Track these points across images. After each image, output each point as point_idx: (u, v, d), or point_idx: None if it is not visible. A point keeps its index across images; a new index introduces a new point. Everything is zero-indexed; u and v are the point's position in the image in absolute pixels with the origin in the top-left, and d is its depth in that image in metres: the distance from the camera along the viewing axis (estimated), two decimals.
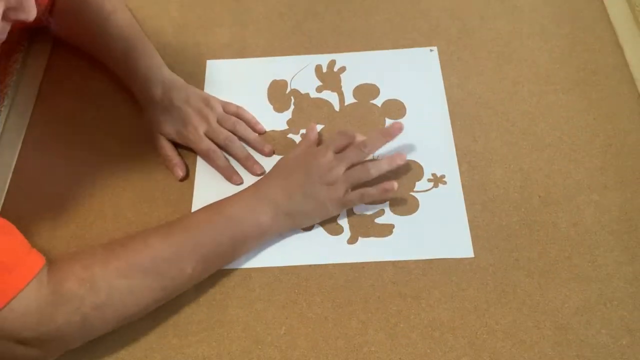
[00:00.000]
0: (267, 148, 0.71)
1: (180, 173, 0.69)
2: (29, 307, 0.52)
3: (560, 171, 0.67)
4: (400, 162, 0.65)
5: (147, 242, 0.57)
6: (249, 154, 0.70)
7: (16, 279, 0.52)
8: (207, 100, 0.72)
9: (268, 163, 0.69)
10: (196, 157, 0.71)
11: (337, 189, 0.63)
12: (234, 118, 0.72)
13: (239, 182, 0.69)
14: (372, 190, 0.64)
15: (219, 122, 0.71)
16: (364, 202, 0.65)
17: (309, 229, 0.65)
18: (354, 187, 0.64)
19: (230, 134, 0.70)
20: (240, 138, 0.71)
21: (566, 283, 0.60)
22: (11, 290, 0.51)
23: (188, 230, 0.59)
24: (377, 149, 0.66)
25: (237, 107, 0.73)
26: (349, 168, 0.64)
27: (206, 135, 0.70)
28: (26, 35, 0.81)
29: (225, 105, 0.73)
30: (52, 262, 0.55)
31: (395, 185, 0.63)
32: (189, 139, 0.70)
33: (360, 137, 0.66)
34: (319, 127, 0.73)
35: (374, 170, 0.64)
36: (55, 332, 0.53)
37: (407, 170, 0.68)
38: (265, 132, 0.73)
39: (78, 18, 0.75)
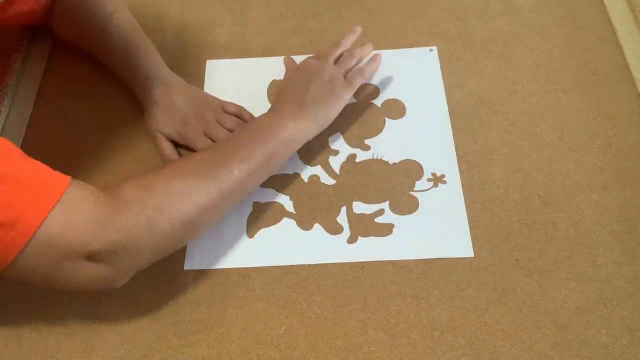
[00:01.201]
0: None
1: None
2: (90, 216, 0.51)
3: (560, 171, 0.67)
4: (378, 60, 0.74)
5: (191, 154, 0.66)
6: None
7: (54, 188, 0.51)
8: (207, 101, 0.72)
9: None
10: None
11: (337, 79, 0.69)
12: (233, 118, 0.72)
13: None
14: (364, 65, 0.72)
15: (218, 122, 0.71)
16: (364, 76, 0.72)
17: (308, 228, 0.65)
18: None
19: (233, 127, 0.71)
20: None
21: (566, 283, 0.60)
22: (51, 197, 0.50)
23: (227, 141, 0.65)
24: (366, 54, 0.74)
25: (237, 107, 0.74)
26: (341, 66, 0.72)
27: (206, 135, 0.70)
28: (26, 35, 0.81)
29: (225, 106, 0.73)
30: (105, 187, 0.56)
31: (371, 47, 0.74)
32: (189, 138, 0.70)
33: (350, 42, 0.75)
34: None
35: (358, 52, 0.73)
36: (125, 239, 0.52)
37: (407, 170, 0.68)
38: None
39: (79, 17, 0.75)
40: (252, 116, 0.73)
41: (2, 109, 0.74)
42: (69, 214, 0.50)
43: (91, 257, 0.52)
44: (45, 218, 0.49)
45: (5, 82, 0.77)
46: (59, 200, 0.50)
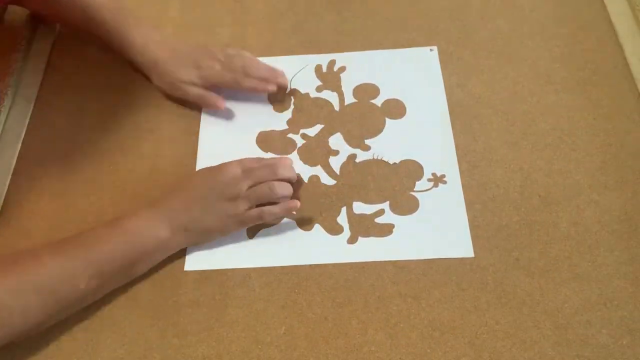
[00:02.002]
0: (280, 72, 0.74)
1: (222, 103, 0.72)
2: None
3: (561, 171, 0.67)
4: (294, 207, 0.64)
5: (39, 259, 0.56)
6: (269, 71, 0.73)
7: None
8: (206, 46, 0.74)
9: None
10: (196, 164, 0.71)
11: (237, 205, 0.62)
12: (239, 55, 0.73)
13: (274, 88, 0.72)
14: (274, 209, 0.63)
15: (226, 59, 0.73)
16: (264, 220, 0.63)
17: (308, 228, 0.65)
18: (258, 206, 0.63)
19: (245, 63, 0.72)
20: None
21: (566, 283, 0.60)
22: None
23: (83, 246, 0.58)
24: (287, 175, 0.65)
25: (235, 49, 0.75)
26: (253, 186, 0.63)
27: (223, 69, 0.72)
28: (26, 35, 0.81)
29: (225, 49, 0.74)
30: None
31: (298, 204, 0.63)
32: (209, 77, 0.72)
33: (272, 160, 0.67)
34: (319, 127, 0.73)
35: (280, 190, 0.63)
36: None
37: (407, 170, 0.68)
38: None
39: None
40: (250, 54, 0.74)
41: (2, 109, 0.74)
42: None
43: None
44: None
45: (6, 82, 0.76)
46: None
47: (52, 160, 0.72)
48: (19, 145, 0.73)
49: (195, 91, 0.72)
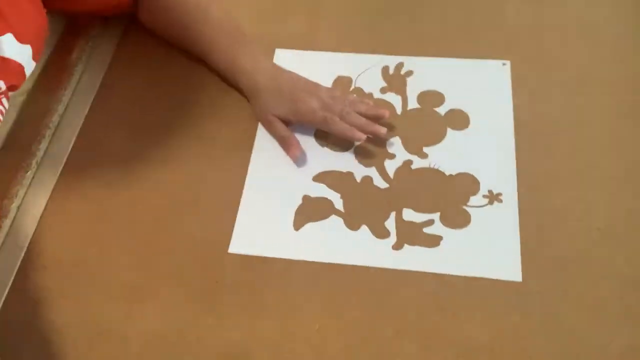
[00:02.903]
0: (383, 111, 0.71)
1: (298, 153, 0.70)
2: None
3: (624, 206, 0.64)
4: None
5: None
6: (368, 121, 0.70)
7: None
8: (314, 82, 0.73)
9: None
10: (252, 150, 0.71)
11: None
12: (343, 96, 0.72)
13: (363, 138, 0.69)
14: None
15: (329, 98, 0.71)
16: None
17: (355, 228, 0.65)
18: None
19: (345, 107, 0.70)
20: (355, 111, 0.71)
21: (615, 321, 0.58)
22: None
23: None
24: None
25: (341, 91, 0.74)
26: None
27: (320, 109, 0.70)
28: (96, 21, 0.83)
29: (330, 89, 0.74)
30: None
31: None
32: (303, 112, 0.70)
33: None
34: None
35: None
36: None
37: (462, 183, 0.67)
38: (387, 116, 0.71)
39: (172, 11, 0.76)
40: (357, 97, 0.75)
41: (75, 73, 0.77)
42: None
43: None
44: None
45: (80, 46, 0.79)
46: None
47: (116, 129, 0.74)
48: (87, 109, 0.75)
49: (279, 132, 0.71)
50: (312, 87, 0.72)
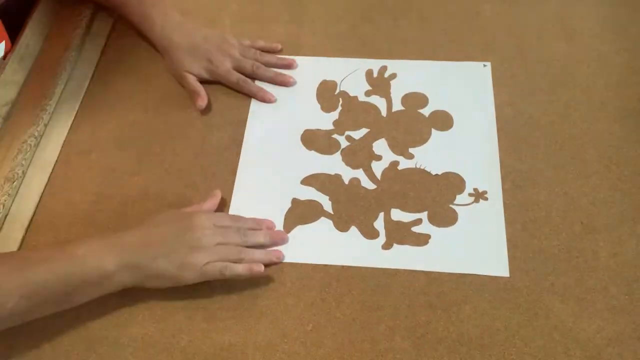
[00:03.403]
0: (290, 60, 0.78)
1: (202, 104, 0.73)
2: None
3: (605, 200, 0.66)
4: (275, 259, 0.62)
5: None
6: (277, 71, 0.77)
7: None
8: (224, 37, 0.77)
9: None
10: (240, 155, 0.72)
11: (199, 256, 0.58)
12: (253, 48, 0.78)
13: (273, 100, 0.75)
14: (237, 268, 0.59)
15: (240, 54, 0.76)
16: (224, 276, 0.59)
17: (345, 229, 0.65)
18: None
19: (255, 61, 0.76)
20: (263, 63, 0.77)
21: (601, 313, 0.59)
22: None
23: (20, 263, 0.55)
24: (258, 243, 0.63)
25: (250, 40, 0.78)
26: (222, 244, 0.60)
27: (235, 69, 0.75)
28: (87, 13, 0.83)
29: (242, 41, 0.78)
30: None
31: (262, 269, 0.60)
32: (218, 73, 0.75)
33: (250, 223, 0.64)
34: (365, 131, 0.73)
35: (248, 257, 0.61)
36: None
37: (448, 182, 0.68)
38: (281, 48, 0.80)
39: None
40: (264, 43, 0.79)
41: (59, 82, 0.77)
42: None
43: None
44: None
45: (65, 56, 0.79)
46: None
47: (103, 136, 0.74)
48: (72, 118, 0.75)
49: (191, 86, 0.75)
50: (224, 45, 0.76)
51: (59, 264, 0.55)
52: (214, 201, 0.66)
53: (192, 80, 0.75)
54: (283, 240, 0.64)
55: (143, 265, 0.57)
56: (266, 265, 0.61)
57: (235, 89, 0.76)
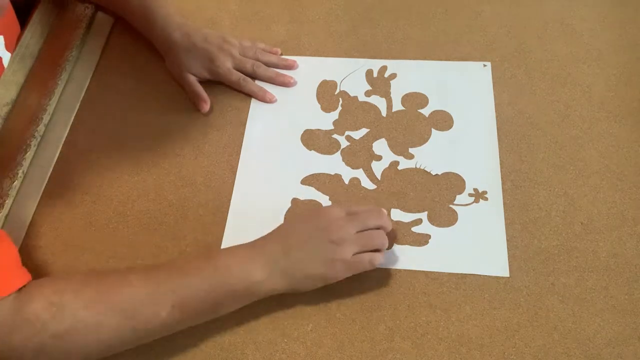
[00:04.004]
0: (291, 61, 0.78)
1: (206, 107, 0.74)
2: None
3: (606, 200, 0.66)
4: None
5: (126, 278, 0.55)
6: (277, 72, 0.77)
7: None
8: (225, 37, 0.77)
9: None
10: (240, 155, 0.72)
11: (344, 249, 0.58)
12: (253, 48, 0.78)
13: (274, 100, 0.75)
14: (379, 259, 0.59)
15: (241, 54, 0.77)
16: (373, 267, 0.59)
17: None
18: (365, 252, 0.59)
19: (255, 61, 0.77)
20: (264, 63, 0.78)
21: (601, 313, 0.59)
22: None
23: (171, 273, 0.56)
24: (388, 223, 0.61)
25: (251, 40, 0.79)
26: (360, 231, 0.59)
27: (235, 68, 0.76)
28: (88, 12, 0.83)
29: (242, 41, 0.78)
30: (30, 284, 0.54)
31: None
32: (219, 73, 0.75)
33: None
34: (365, 131, 0.73)
35: (384, 241, 0.60)
36: (9, 353, 0.51)
37: (448, 183, 0.68)
38: (282, 53, 0.80)
39: None
40: (265, 45, 0.79)
41: (59, 82, 0.77)
42: None
43: None
44: None
45: (65, 56, 0.79)
46: None
47: (102, 136, 0.74)
48: (72, 117, 0.75)
49: (191, 88, 0.75)
50: (225, 45, 0.76)
51: (207, 275, 0.56)
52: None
53: (193, 81, 0.75)
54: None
55: (291, 271, 0.57)
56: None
57: (236, 88, 0.76)
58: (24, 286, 0.53)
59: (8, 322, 0.50)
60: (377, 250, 0.59)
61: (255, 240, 0.60)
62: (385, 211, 0.62)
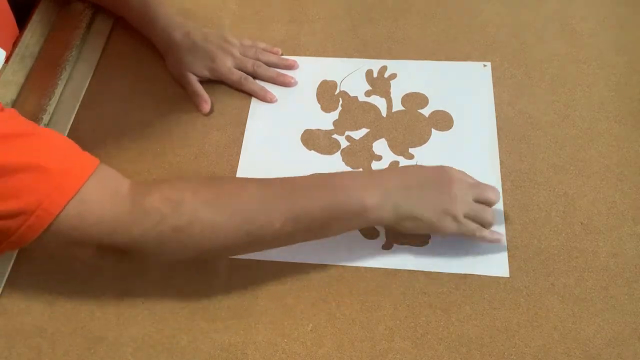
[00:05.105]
0: (291, 61, 0.78)
1: (207, 108, 0.74)
2: (104, 214, 0.50)
3: (606, 200, 0.66)
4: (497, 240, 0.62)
5: (244, 185, 0.57)
6: (278, 71, 0.77)
7: (76, 176, 0.49)
8: (225, 37, 0.77)
9: None
10: (240, 155, 0.72)
11: (458, 207, 0.59)
12: (254, 47, 0.78)
13: (275, 100, 0.75)
14: (486, 233, 0.60)
15: (241, 53, 0.77)
16: (475, 237, 0.60)
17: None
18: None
19: (256, 60, 0.77)
20: (264, 63, 0.78)
21: (601, 313, 0.59)
22: (71, 187, 0.49)
23: (287, 186, 0.57)
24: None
25: (251, 40, 0.79)
26: (478, 202, 0.61)
27: (234, 67, 0.76)
28: (88, 12, 0.83)
29: (243, 41, 0.78)
30: (139, 182, 0.55)
31: (504, 241, 0.62)
32: (220, 72, 0.75)
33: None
34: (365, 131, 0.73)
35: (494, 221, 0.61)
36: (131, 244, 0.52)
37: None
38: (282, 53, 0.80)
39: None
40: (266, 44, 0.79)
41: (59, 82, 0.77)
42: (84, 207, 0.49)
43: (100, 249, 0.52)
44: (62, 210, 0.48)
45: (65, 56, 0.79)
46: (78, 192, 0.49)
47: (102, 136, 0.74)
48: (72, 117, 0.75)
49: (192, 87, 0.75)
50: (225, 44, 0.76)
51: (322, 193, 0.57)
52: None
53: (194, 81, 0.75)
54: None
55: (404, 207, 0.58)
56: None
57: (237, 87, 0.76)
58: (138, 184, 0.54)
59: (126, 215, 0.51)
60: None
61: (374, 170, 0.63)
62: (500, 192, 0.64)
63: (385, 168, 0.62)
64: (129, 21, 0.80)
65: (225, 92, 0.76)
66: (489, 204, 0.62)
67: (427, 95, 0.76)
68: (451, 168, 0.62)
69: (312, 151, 0.72)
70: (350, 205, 0.56)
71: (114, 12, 0.83)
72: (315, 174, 0.60)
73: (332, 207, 0.56)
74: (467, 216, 0.59)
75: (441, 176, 0.60)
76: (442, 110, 0.74)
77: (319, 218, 0.56)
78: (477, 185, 0.62)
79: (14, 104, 0.74)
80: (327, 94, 0.77)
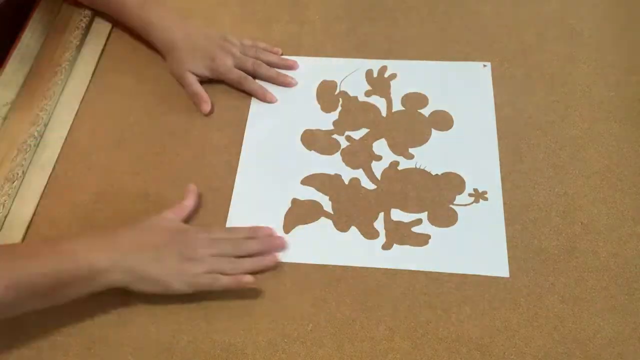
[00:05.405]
0: (292, 62, 0.78)
1: (208, 108, 0.74)
2: None
3: (606, 200, 0.66)
4: (265, 267, 0.62)
5: None
6: (279, 71, 0.77)
7: None
8: (225, 36, 0.77)
9: None
10: (240, 155, 0.72)
11: (191, 266, 0.58)
12: (254, 47, 0.78)
13: (274, 100, 0.75)
14: (225, 280, 0.59)
15: (241, 53, 0.77)
16: (212, 289, 0.59)
17: (344, 229, 0.65)
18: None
19: (256, 60, 0.76)
20: (265, 62, 0.77)
21: (601, 313, 0.59)
22: None
23: (10, 253, 0.56)
24: (253, 251, 0.62)
25: (251, 39, 0.79)
26: (214, 256, 0.60)
27: (236, 67, 0.75)
28: (88, 13, 0.83)
29: (243, 41, 0.78)
30: None
31: (250, 279, 0.59)
32: (220, 71, 0.75)
33: (244, 232, 0.64)
34: (365, 131, 0.73)
35: (239, 267, 0.60)
36: None
37: (448, 183, 0.68)
38: (282, 53, 0.79)
39: None
40: (266, 44, 0.79)
41: (59, 82, 0.77)
42: None
43: None
44: None
45: (64, 57, 0.79)
46: None
47: (102, 136, 0.74)
48: (72, 118, 0.75)
49: (192, 88, 0.75)
50: (225, 43, 0.76)
51: (47, 257, 0.55)
52: (192, 197, 0.65)
53: (194, 82, 0.75)
54: (280, 246, 0.63)
55: (135, 269, 0.57)
56: (261, 272, 0.61)
57: (237, 86, 0.76)
58: None
59: None
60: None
61: (108, 229, 0.60)
62: (264, 232, 0.64)
63: (121, 227, 0.60)
64: (128, 25, 0.79)
65: (225, 92, 0.76)
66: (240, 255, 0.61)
67: (427, 95, 0.76)
68: (191, 228, 0.62)
69: (312, 151, 0.72)
70: (78, 270, 0.55)
71: (112, 16, 0.82)
72: (44, 240, 0.60)
73: (57, 274, 0.54)
74: (204, 271, 0.59)
75: (177, 236, 0.60)
76: (442, 110, 0.74)
77: (43, 284, 0.54)
78: (217, 241, 0.61)
79: (14, 104, 0.74)
80: (327, 94, 0.77)
